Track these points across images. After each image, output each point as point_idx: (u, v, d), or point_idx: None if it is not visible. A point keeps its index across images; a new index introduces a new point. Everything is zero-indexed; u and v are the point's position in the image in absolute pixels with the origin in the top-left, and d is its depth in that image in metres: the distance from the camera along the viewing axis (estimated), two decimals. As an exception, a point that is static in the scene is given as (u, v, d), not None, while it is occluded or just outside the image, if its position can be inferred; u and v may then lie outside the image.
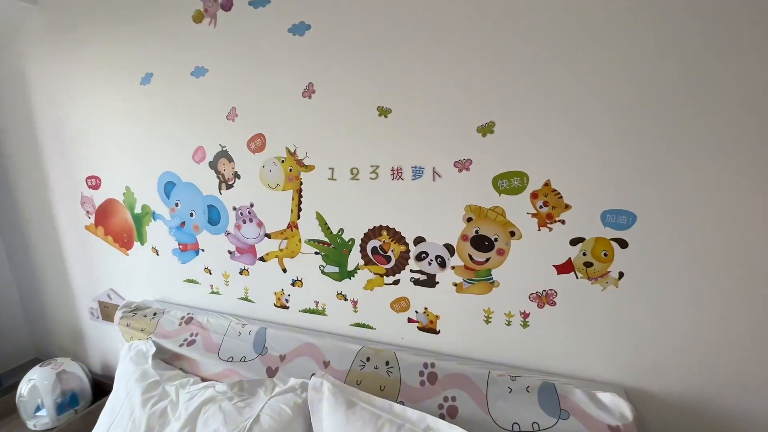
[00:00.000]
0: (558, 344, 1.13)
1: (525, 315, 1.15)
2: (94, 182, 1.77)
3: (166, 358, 1.52)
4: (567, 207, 1.03)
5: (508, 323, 1.17)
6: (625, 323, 1.05)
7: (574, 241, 1.05)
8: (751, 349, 0.95)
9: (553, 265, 1.08)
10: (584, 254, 1.04)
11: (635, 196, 0.97)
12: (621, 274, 1.03)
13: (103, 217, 1.80)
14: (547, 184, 1.04)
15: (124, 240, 1.78)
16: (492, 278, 1.16)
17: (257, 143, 1.37)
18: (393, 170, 1.20)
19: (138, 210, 1.70)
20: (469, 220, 1.14)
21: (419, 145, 1.15)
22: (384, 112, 1.17)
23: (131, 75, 1.54)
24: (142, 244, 1.74)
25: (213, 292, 1.63)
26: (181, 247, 1.65)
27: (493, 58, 1.02)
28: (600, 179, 0.99)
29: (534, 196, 1.06)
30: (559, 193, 1.03)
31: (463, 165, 1.11)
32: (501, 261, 1.13)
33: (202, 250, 1.60)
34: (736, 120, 0.87)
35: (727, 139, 0.88)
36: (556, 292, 1.10)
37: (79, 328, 2.10)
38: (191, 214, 1.58)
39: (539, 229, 1.07)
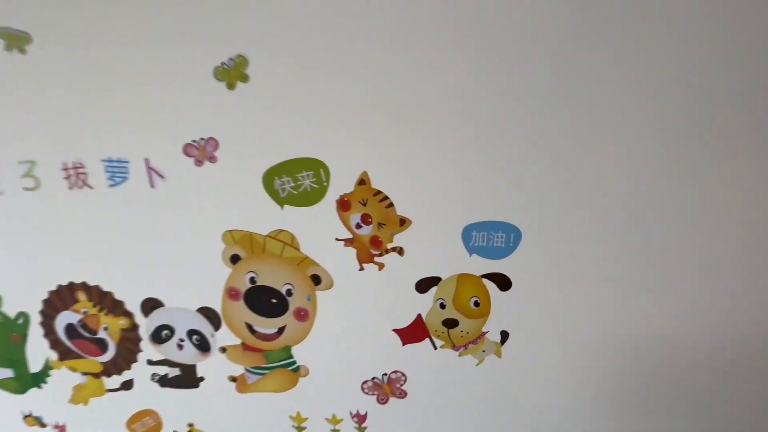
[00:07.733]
0: (419, 458, 0.64)
1: (360, 418, 0.64)
2: None
3: None
4: (404, 222, 0.54)
5: (336, 434, 0.65)
6: (522, 413, 0.60)
7: (424, 285, 0.56)
8: None
9: (394, 330, 0.59)
10: (442, 306, 0.57)
11: (516, 199, 0.51)
12: (505, 335, 0.57)
13: None
14: (363, 181, 0.53)
15: None
16: (294, 362, 0.62)
17: None
18: (67, 170, 0.57)
19: None
20: (235, 259, 0.58)
21: (109, 113, 0.54)
22: (16, 40, 0.53)
23: None
24: None
25: None
26: None
27: None
28: (453, 170, 0.51)
29: (344, 205, 0.54)
30: (386, 198, 0.53)
31: (202, 151, 0.54)
32: (305, 330, 0.60)
33: None
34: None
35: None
36: (404, 375, 0.61)
37: None
38: None
39: (362, 268, 0.56)
